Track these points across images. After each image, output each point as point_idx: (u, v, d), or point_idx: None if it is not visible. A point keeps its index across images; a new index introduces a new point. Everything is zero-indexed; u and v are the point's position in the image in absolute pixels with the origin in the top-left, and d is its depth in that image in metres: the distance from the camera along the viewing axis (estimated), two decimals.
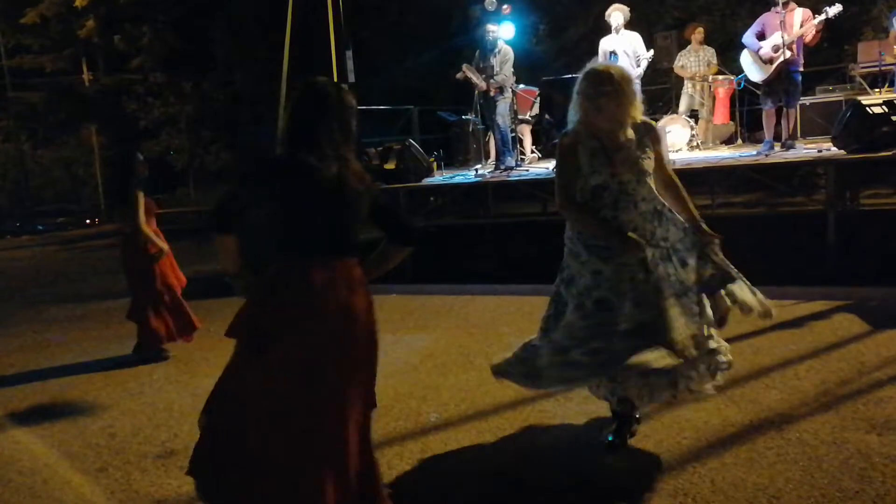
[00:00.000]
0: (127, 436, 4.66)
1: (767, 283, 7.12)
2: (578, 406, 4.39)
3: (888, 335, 5.34)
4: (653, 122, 3.68)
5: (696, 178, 9.24)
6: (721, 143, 12.23)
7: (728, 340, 5.25)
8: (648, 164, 3.54)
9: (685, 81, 12.26)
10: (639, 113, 3.61)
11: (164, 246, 6.42)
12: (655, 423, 4.05)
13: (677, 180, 3.67)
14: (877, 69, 10.75)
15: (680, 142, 11.62)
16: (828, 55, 13.86)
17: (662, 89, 14.12)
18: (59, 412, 5.24)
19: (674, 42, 13.26)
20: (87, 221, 28.37)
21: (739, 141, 12.15)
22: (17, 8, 26.96)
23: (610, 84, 3.47)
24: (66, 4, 28.32)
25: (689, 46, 12.31)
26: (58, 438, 4.72)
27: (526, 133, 12.44)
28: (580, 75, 3.61)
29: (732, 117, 12.33)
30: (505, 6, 14.01)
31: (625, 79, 3.52)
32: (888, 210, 8.88)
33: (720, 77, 11.92)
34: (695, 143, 11.72)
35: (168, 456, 4.26)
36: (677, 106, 12.42)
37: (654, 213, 3.56)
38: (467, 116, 12.73)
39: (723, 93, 12.05)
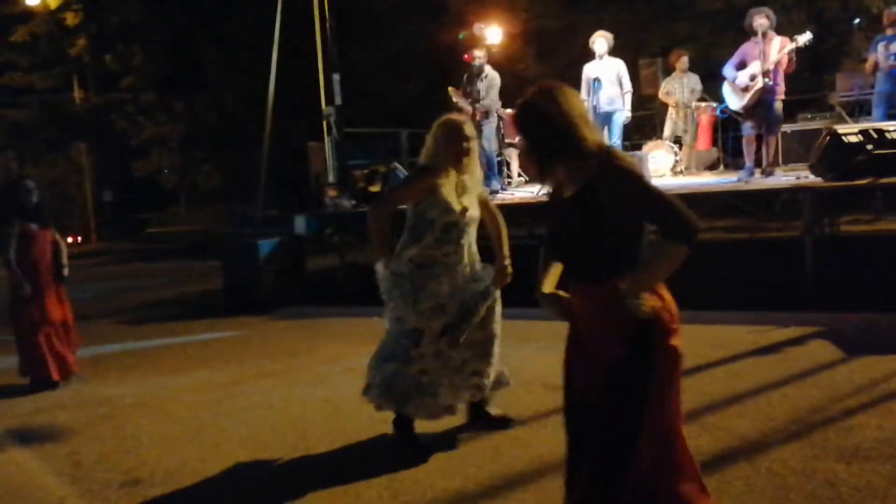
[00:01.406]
0: (92, 463, 4.59)
1: (746, 308, 7.32)
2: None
3: (861, 362, 5.40)
4: None
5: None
6: (704, 168, 12.37)
7: (706, 367, 5.39)
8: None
9: (669, 108, 12.39)
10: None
11: (27, 287, 6.24)
12: None
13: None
14: (854, 98, 10.92)
15: (664, 167, 11.75)
16: (808, 84, 14.07)
17: (647, 115, 14.28)
18: (24, 438, 5.19)
19: (658, 69, 13.43)
20: (70, 240, 28.33)
21: (722, 167, 12.28)
22: (6, 25, 27.02)
23: (467, 141, 4.13)
24: (58, 23, 28.43)
25: (673, 73, 12.45)
26: (20, 467, 4.65)
27: (513, 157, 12.54)
28: (437, 124, 4.16)
29: (715, 143, 12.47)
30: (492, 30, 14.18)
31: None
32: (866, 236, 8.99)
33: (703, 104, 12.05)
34: (679, 169, 11.84)
35: (133, 485, 4.19)
36: (661, 132, 12.55)
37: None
38: None
39: (706, 119, 12.19)
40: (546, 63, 17.50)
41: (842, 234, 8.87)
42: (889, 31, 9.57)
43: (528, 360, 6.07)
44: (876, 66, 9.59)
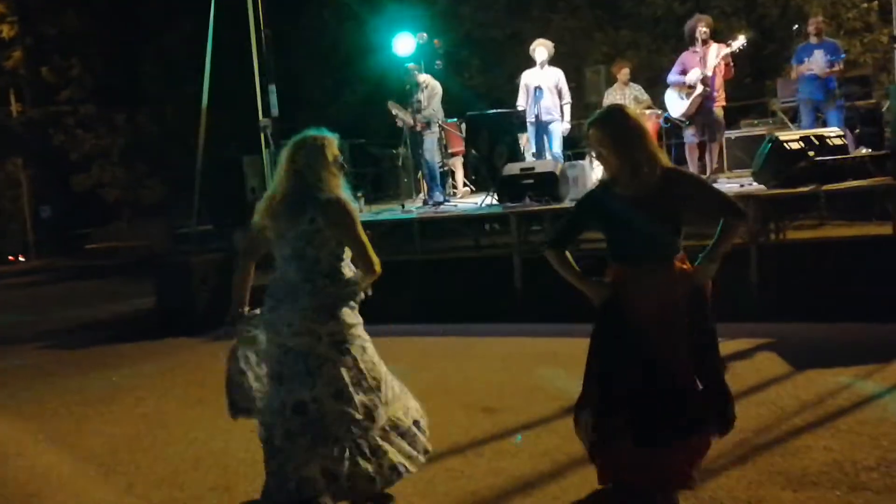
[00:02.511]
0: None
1: None
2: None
3: (807, 376, 5.27)
4: (336, 198, 3.50)
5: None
6: None
7: None
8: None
9: None
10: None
11: None
12: (555, 487, 3.87)
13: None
14: (793, 104, 10.96)
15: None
16: (751, 90, 14.09)
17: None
18: None
19: (602, 77, 13.35)
20: (11, 258, 27.47)
21: None
22: None
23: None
24: None
25: (615, 84, 12.39)
26: None
27: (458, 167, 12.33)
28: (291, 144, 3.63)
29: None
30: (435, 40, 13.97)
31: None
32: (813, 242, 8.93)
33: (647, 111, 11.97)
34: None
35: None
36: None
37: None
38: (397, 151, 12.57)
39: (650, 127, 12.07)
40: (491, 72, 17.35)
41: (788, 242, 8.80)
42: (813, 40, 9.60)
43: (472, 380, 5.83)
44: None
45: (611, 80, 12.74)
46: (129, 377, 7.17)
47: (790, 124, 11.21)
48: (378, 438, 3.43)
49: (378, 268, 3.48)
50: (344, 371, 3.43)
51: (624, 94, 12.15)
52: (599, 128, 3.31)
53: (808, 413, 4.55)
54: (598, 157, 3.41)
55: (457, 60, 16.72)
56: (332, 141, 3.60)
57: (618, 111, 3.39)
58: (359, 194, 11.05)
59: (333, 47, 18.52)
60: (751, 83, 14.28)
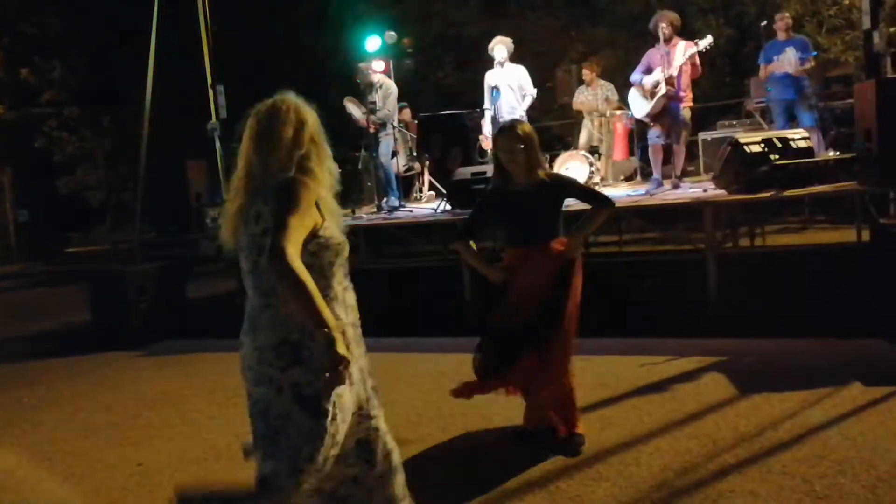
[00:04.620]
0: None
1: (646, 335, 6.70)
2: None
3: (752, 402, 4.78)
4: (287, 178, 2.58)
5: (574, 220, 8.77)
6: (623, 179, 11.83)
7: (582, 410, 4.67)
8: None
9: (585, 117, 11.88)
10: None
11: None
12: None
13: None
14: (765, 104, 10.52)
15: (578, 179, 11.15)
16: (731, 89, 13.64)
17: (568, 125, 13.73)
18: None
19: (573, 76, 12.89)
20: None
21: (639, 177, 11.73)
22: None
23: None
24: None
25: (585, 83, 11.95)
26: None
27: (425, 170, 11.85)
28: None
29: (632, 153, 11.94)
30: (406, 39, 13.49)
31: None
32: (782, 250, 8.47)
33: (618, 112, 11.52)
34: (595, 180, 11.28)
35: None
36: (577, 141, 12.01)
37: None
38: (359, 153, 12.10)
39: (621, 128, 11.67)
40: (466, 70, 16.87)
41: (754, 250, 8.33)
42: (782, 37, 9.16)
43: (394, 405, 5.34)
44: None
45: (581, 79, 12.32)
46: (43, 397, 6.70)
47: (765, 125, 10.74)
48: None
49: (285, 257, 2.33)
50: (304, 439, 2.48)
51: (596, 93, 11.74)
52: (511, 134, 4.14)
53: (741, 448, 4.07)
54: (507, 158, 4.12)
55: (430, 59, 16.28)
56: (301, 106, 2.70)
57: (521, 124, 4.29)
58: None
59: (303, 47, 18.05)
60: (729, 82, 13.81)
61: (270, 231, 2.41)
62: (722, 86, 13.61)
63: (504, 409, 4.88)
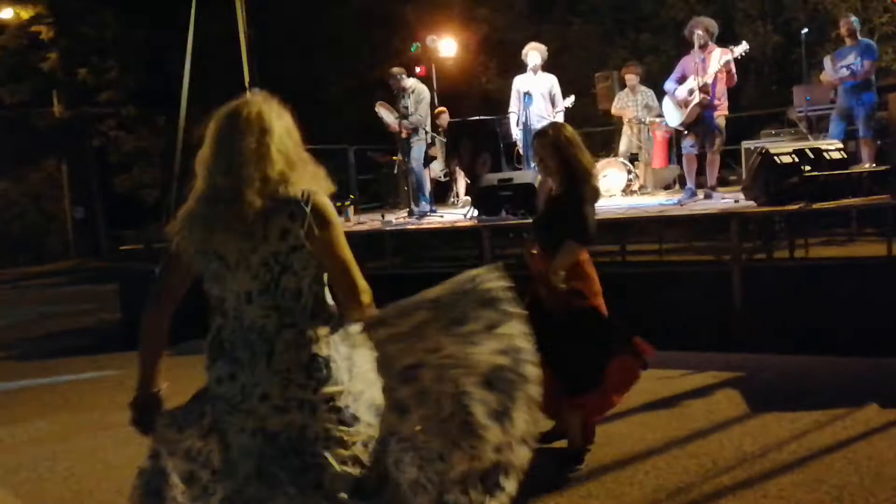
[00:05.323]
0: None
1: (667, 348, 6.55)
2: None
3: (762, 421, 4.65)
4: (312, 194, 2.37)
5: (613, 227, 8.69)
6: (663, 188, 11.63)
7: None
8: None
9: (625, 124, 11.74)
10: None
11: None
12: None
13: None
14: (813, 113, 10.21)
15: (615, 187, 11.02)
16: (778, 98, 13.31)
17: (609, 131, 13.57)
18: None
19: (614, 82, 12.73)
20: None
21: (678, 185, 11.53)
22: None
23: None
24: (28, 37, 27.94)
25: (625, 88, 11.79)
26: None
27: (460, 175, 11.80)
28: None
29: (672, 161, 11.74)
30: (446, 44, 13.50)
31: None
32: (809, 263, 8.20)
33: (658, 119, 11.33)
34: (634, 188, 11.13)
35: None
36: (617, 149, 11.88)
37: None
38: (396, 157, 12.12)
39: (660, 136, 11.47)
40: (509, 76, 16.77)
41: (782, 263, 8.07)
42: (848, 42, 8.86)
43: None
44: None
45: (623, 85, 12.16)
46: (61, 393, 6.84)
47: (808, 135, 10.45)
48: None
49: (367, 297, 2.41)
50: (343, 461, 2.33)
51: (636, 100, 11.59)
52: (541, 140, 4.14)
53: (741, 469, 3.95)
54: (539, 165, 4.24)
55: (474, 65, 16.25)
56: (265, 109, 2.40)
57: (557, 128, 4.21)
58: (345, 203, 10.63)
59: (348, 48, 18.15)
60: (776, 90, 13.48)
61: (335, 265, 2.37)
62: (769, 94, 13.30)
63: None
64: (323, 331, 2.34)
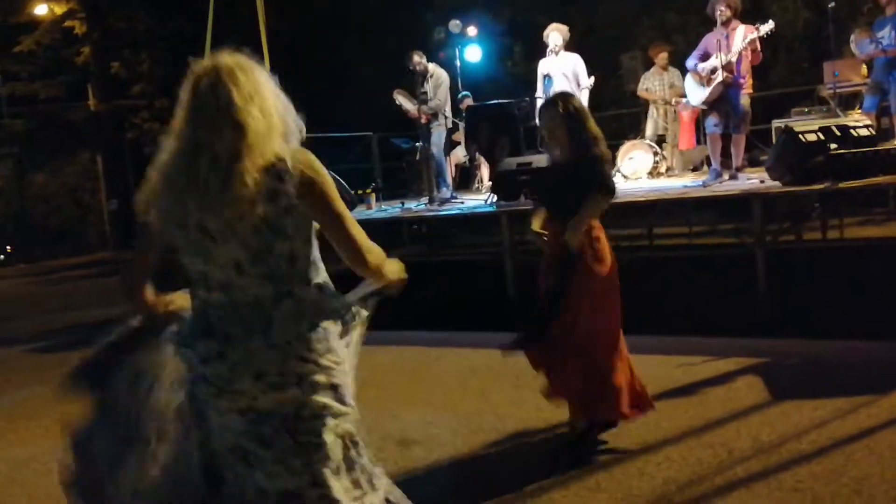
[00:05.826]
0: None
1: (691, 333, 6.39)
2: None
3: (782, 409, 4.48)
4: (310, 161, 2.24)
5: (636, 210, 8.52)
6: (691, 169, 11.40)
7: None
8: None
9: (650, 105, 11.53)
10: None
11: None
12: None
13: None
14: (844, 90, 9.90)
15: (642, 169, 10.82)
16: (811, 75, 12.96)
17: (634, 113, 13.34)
18: None
19: (640, 63, 12.51)
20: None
21: (706, 167, 11.29)
22: (6, 35, 26.82)
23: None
24: (62, 32, 28.23)
25: (653, 68, 11.57)
26: None
27: (483, 161, 11.66)
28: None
29: (699, 142, 11.50)
30: (471, 28, 13.33)
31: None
32: (841, 244, 7.99)
33: (683, 99, 11.09)
34: (661, 170, 10.92)
35: None
36: (644, 131, 11.66)
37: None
38: (418, 144, 12.02)
39: (687, 116, 11.24)
40: (535, 59, 16.56)
41: (810, 244, 7.87)
42: (890, 11, 8.49)
43: (411, 403, 5.23)
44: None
45: (648, 66, 11.94)
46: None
47: (839, 112, 10.14)
48: None
49: (372, 257, 2.32)
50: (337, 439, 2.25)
51: (662, 79, 11.42)
52: (550, 110, 4.08)
53: (756, 460, 3.80)
54: (547, 133, 4.15)
55: (499, 48, 16.05)
56: (244, 69, 2.26)
57: (566, 98, 4.14)
58: (366, 191, 10.56)
59: (380, 36, 18.05)
60: (807, 68, 13.13)
61: (335, 228, 2.25)
62: (799, 71, 12.96)
63: (519, 411, 4.76)
64: (319, 297, 2.25)
